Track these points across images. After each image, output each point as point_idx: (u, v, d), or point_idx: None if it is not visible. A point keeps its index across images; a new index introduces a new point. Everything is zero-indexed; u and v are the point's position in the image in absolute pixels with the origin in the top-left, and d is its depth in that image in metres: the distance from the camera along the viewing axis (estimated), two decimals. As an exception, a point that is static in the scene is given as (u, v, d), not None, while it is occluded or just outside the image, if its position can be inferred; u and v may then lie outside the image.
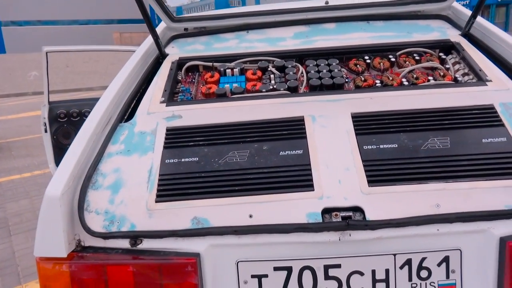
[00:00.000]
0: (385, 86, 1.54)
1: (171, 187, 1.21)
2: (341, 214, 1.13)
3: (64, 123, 3.60)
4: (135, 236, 1.16)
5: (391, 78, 1.56)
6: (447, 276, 1.14)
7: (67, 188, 1.16)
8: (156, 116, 1.44)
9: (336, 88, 1.54)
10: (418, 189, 1.15)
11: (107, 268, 1.14)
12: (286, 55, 1.75)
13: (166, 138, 1.35)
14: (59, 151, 3.56)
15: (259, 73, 1.66)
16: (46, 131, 3.59)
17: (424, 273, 1.14)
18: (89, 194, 1.21)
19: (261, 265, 1.15)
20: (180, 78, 1.73)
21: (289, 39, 1.87)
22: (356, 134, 1.30)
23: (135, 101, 1.58)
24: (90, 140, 1.32)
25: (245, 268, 1.15)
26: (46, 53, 3.49)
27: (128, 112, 1.53)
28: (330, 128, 1.33)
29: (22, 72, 19.14)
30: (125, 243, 1.16)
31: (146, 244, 1.16)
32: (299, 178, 1.20)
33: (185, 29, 2.03)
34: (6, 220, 3.97)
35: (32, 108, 10.89)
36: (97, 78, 16.56)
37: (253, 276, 1.15)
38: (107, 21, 43.24)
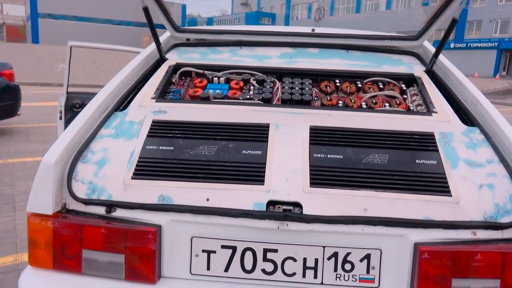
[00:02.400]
0: (346, 107, 1.75)
1: (147, 168, 1.43)
2: (283, 207, 1.33)
3: (79, 113, 3.87)
4: (111, 205, 1.38)
5: (353, 101, 1.77)
6: (368, 271, 1.32)
7: (60, 158, 1.39)
8: (145, 109, 1.67)
9: (303, 103, 1.75)
10: (351, 193, 1.34)
11: (84, 228, 1.36)
12: (268, 71, 1.97)
13: (150, 128, 1.57)
14: (70, 138, 3.81)
15: (241, 83, 1.89)
16: (60, 118, 3.86)
17: (348, 266, 1.32)
18: (78, 166, 1.43)
19: (211, 242, 1.35)
20: (173, 81, 1.96)
21: (275, 58, 2.10)
22: (310, 144, 1.50)
23: (131, 95, 1.83)
24: (87, 122, 1.55)
25: (197, 243, 1.36)
26: (71, 47, 3.81)
27: (123, 104, 1.77)
28: (289, 136, 1.54)
29: (51, 63, 19.88)
30: (101, 210, 1.38)
31: (119, 212, 1.37)
32: (253, 173, 1.40)
33: (187, 39, 2.28)
34: (13, 197, 4.26)
35: (55, 99, 11.29)
36: (120, 76, 17.04)
37: (203, 251, 1.36)
38: (139, 24, 44.39)
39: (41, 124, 8.18)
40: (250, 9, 57.39)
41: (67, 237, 1.38)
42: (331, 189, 1.35)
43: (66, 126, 3.84)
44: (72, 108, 3.87)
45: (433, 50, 2.06)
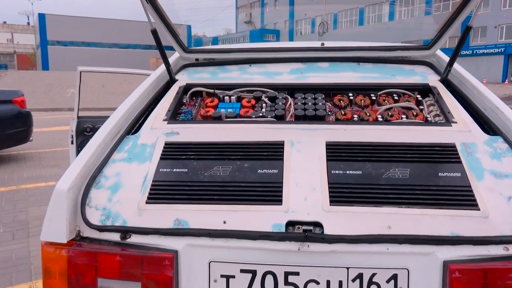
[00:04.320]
0: (361, 120, 1.71)
1: (161, 192, 1.40)
2: (302, 227, 1.28)
3: (90, 137, 3.89)
4: (125, 231, 1.34)
5: (368, 114, 1.73)
6: None
7: (74, 184, 1.37)
8: (157, 131, 1.65)
9: (317, 119, 1.72)
10: (373, 211, 1.29)
11: (98, 256, 1.33)
12: (279, 88, 1.95)
13: (163, 151, 1.55)
14: (82, 162, 3.83)
15: (253, 101, 1.86)
16: (72, 143, 3.89)
17: None
18: (91, 192, 1.41)
19: (230, 267, 1.30)
20: (184, 101, 1.95)
21: (285, 74, 2.07)
22: (327, 160, 1.46)
23: (143, 118, 1.81)
24: (99, 147, 1.54)
25: (216, 268, 1.31)
26: (80, 72, 3.86)
27: (135, 126, 1.75)
28: (305, 153, 1.50)
29: (61, 89, 20.24)
30: (116, 237, 1.34)
31: (134, 238, 1.33)
32: (270, 193, 1.36)
33: (196, 59, 2.27)
34: (27, 223, 4.25)
35: (66, 123, 11.47)
36: (129, 99, 17.27)
37: (222, 276, 1.31)
38: (146, 46, 45.25)
39: (53, 148, 8.27)
40: (254, 26, 58.12)
41: (82, 265, 1.34)
42: (352, 206, 1.30)
43: (77, 150, 3.87)
44: (83, 132, 3.90)
45: (446, 58, 2.02)
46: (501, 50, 35.40)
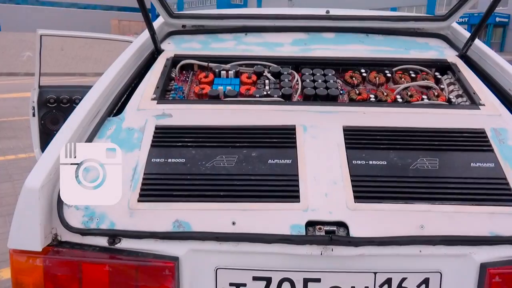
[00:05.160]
0: (379, 102, 1.53)
1: (155, 188, 1.18)
2: (325, 228, 1.11)
3: (53, 108, 3.54)
4: (114, 235, 1.13)
5: (385, 94, 1.55)
6: None
7: (47, 181, 1.13)
8: (146, 113, 1.41)
9: (330, 99, 1.53)
10: (403, 208, 1.14)
11: (83, 266, 1.12)
12: (282, 61, 1.73)
13: (154, 137, 1.32)
14: (46, 137, 3.49)
15: (254, 77, 1.64)
16: (34, 115, 3.52)
17: None
18: None
19: (240, 274, 1.13)
20: (173, 76, 1.70)
21: (287, 45, 1.85)
22: (347, 148, 1.28)
23: (125, 95, 1.55)
24: (76, 132, 1.28)
25: (223, 275, 1.14)
26: (41, 36, 3.42)
27: (117, 106, 1.50)
28: (320, 140, 1.31)
29: (16, 52, 18.82)
30: (103, 241, 1.13)
31: (125, 243, 1.13)
32: (285, 189, 1.18)
33: (183, 26, 2.00)
34: (-14, 202, 3.89)
35: (23, 89, 10.67)
36: (91, 64, 16.37)
37: (231, 285, 1.14)
38: (107, 7, 42.82)
39: (10, 118, 7.65)
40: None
41: (62, 278, 1.13)
42: (379, 204, 1.15)
43: (40, 123, 3.51)
44: (46, 103, 3.52)
45: (463, 31, 1.86)
46: (465, 20, 36.04)
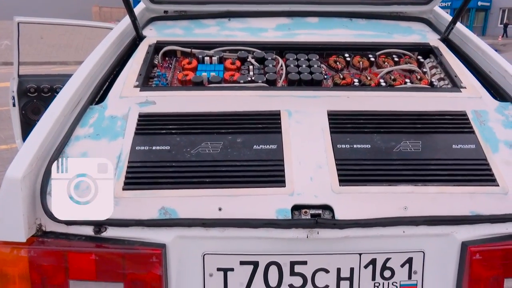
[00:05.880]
0: (363, 86, 1.54)
1: (140, 175, 1.18)
2: (310, 212, 1.13)
3: (34, 98, 3.47)
4: (100, 224, 1.13)
5: (369, 78, 1.56)
6: (409, 277, 1.17)
7: (29, 171, 1.11)
8: (128, 100, 1.39)
9: (314, 84, 1.53)
10: (387, 190, 1.16)
11: (68, 255, 1.11)
12: (266, 47, 1.72)
13: (138, 124, 1.31)
14: (27, 127, 3.44)
15: (238, 63, 1.63)
16: (14, 105, 3.45)
17: (387, 273, 1.16)
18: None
19: (228, 259, 1.14)
20: (156, 63, 1.67)
21: (271, 30, 1.84)
22: (331, 132, 1.29)
23: (107, 83, 1.52)
24: (58, 121, 1.26)
25: (211, 261, 1.14)
26: (18, 23, 3.33)
27: (99, 94, 1.47)
28: (305, 124, 1.32)
29: (-8, 40, 18.27)
30: (88, 230, 1.13)
31: (111, 232, 1.13)
32: (271, 173, 1.19)
33: (165, 11, 1.96)
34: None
35: (1, 79, 10.40)
36: (72, 52, 15.98)
37: (219, 269, 1.15)
38: (87, -7, 41.69)
39: (-11, 109, 7.45)
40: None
41: (48, 268, 1.12)
42: (364, 186, 1.17)
43: (21, 113, 3.45)
44: (27, 93, 3.45)
45: (445, 15, 1.87)
46: (447, 4, 36.27)
